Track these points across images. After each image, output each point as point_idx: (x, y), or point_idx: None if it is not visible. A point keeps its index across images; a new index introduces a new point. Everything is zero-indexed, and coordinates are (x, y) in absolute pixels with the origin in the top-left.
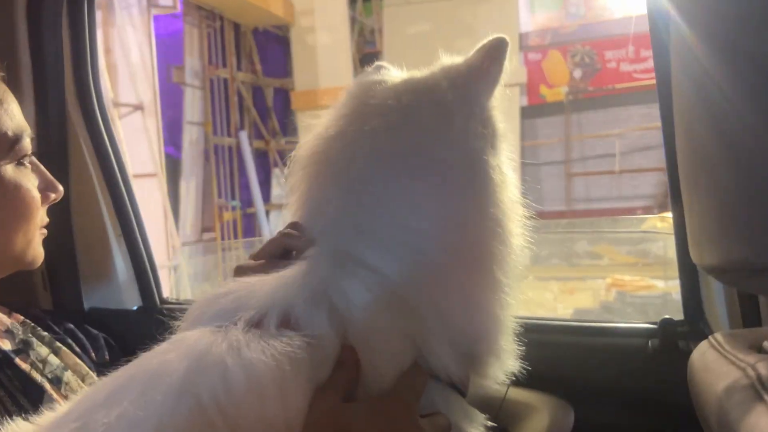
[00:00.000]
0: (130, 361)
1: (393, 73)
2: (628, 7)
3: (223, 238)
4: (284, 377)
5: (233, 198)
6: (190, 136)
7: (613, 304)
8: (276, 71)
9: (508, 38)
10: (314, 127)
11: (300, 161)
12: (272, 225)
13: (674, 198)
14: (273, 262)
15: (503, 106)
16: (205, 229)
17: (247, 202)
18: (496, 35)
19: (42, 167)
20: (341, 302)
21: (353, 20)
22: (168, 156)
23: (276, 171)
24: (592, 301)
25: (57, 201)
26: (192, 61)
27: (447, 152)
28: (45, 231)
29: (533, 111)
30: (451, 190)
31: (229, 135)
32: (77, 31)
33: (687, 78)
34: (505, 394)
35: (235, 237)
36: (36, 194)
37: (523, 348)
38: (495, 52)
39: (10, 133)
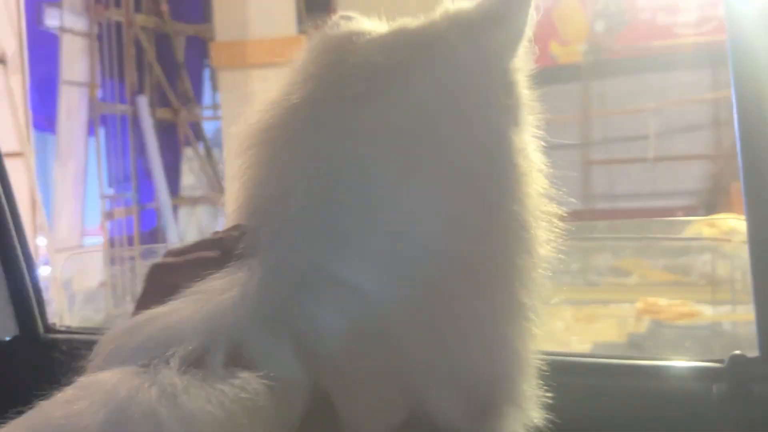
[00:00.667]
0: (2, 407)
1: (370, 25)
2: None
3: (112, 244)
4: None
5: (128, 188)
6: (69, 102)
7: (645, 337)
8: (189, 14)
9: None
10: (265, 93)
11: (248, 139)
12: (182, 226)
13: (750, 200)
14: (203, 264)
15: (528, 67)
16: (87, 231)
17: (147, 194)
18: None
19: None
20: (308, 331)
21: None
22: (37, 129)
23: (188, 151)
24: (617, 332)
25: None
26: None
27: (457, 130)
28: None
29: (540, 76)
30: (463, 182)
31: (123, 101)
32: None
33: None
34: None
35: (130, 242)
36: None
37: (550, 393)
38: None
39: None
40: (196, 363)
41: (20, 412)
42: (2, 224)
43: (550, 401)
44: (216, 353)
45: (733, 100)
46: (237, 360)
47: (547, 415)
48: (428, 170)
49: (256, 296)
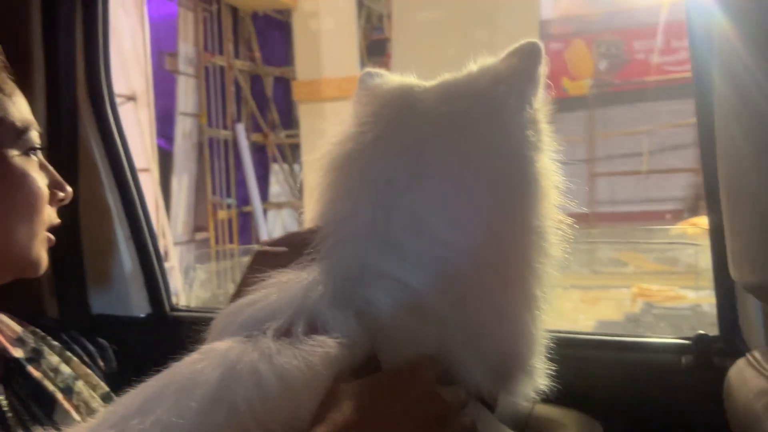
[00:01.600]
0: (139, 370)
1: (395, 78)
2: None
3: (216, 239)
4: (317, 378)
5: (228, 195)
6: (183, 128)
7: (639, 316)
8: (276, 59)
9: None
10: (336, 124)
11: (325, 164)
12: (270, 225)
13: (710, 205)
14: (295, 253)
15: (545, 108)
16: (198, 229)
17: (243, 200)
18: (528, 40)
19: (50, 166)
20: (365, 307)
21: (360, 4)
22: (159, 149)
23: (275, 167)
24: (616, 311)
25: (66, 202)
26: (186, 47)
27: (497, 161)
28: (52, 237)
29: (554, 105)
30: (496, 201)
31: (224, 127)
32: (91, 29)
33: (729, 76)
34: (532, 410)
35: (230, 237)
36: (43, 187)
37: (552, 363)
38: (534, 55)
39: (18, 123)
40: (285, 333)
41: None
42: (138, 224)
43: (551, 370)
44: (299, 325)
45: (697, 127)
46: (314, 330)
47: (550, 381)
48: (471, 193)
49: (327, 284)
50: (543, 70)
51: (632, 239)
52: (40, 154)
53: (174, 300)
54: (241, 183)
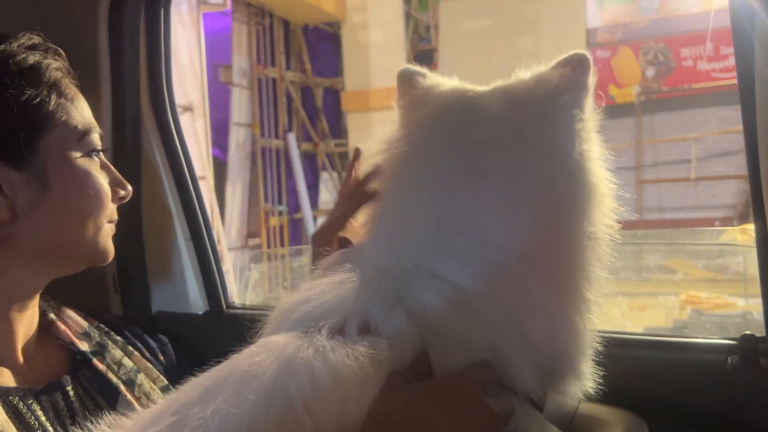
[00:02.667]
0: (197, 365)
1: (442, 79)
2: (707, 0)
3: (268, 245)
4: (367, 378)
5: (280, 203)
6: (237, 138)
7: (687, 323)
8: (326, 70)
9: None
10: (386, 132)
11: (380, 169)
12: None
13: (756, 209)
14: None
15: (594, 117)
16: (251, 235)
17: (294, 207)
18: (576, 51)
19: (111, 166)
20: (417, 306)
21: (407, 16)
22: (214, 158)
23: (324, 175)
24: (664, 319)
25: (126, 199)
26: (240, 59)
27: (553, 167)
28: (114, 228)
29: (602, 113)
30: (551, 206)
31: (276, 137)
32: (153, 38)
33: None
34: (577, 408)
35: (282, 243)
36: (105, 185)
37: (597, 361)
38: (585, 66)
39: (79, 126)
40: (339, 332)
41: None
42: (198, 228)
43: (598, 370)
44: (352, 324)
45: (743, 133)
46: (366, 329)
47: (596, 381)
48: (526, 198)
49: (379, 284)
50: (592, 80)
51: (681, 242)
52: (102, 155)
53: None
54: (292, 191)
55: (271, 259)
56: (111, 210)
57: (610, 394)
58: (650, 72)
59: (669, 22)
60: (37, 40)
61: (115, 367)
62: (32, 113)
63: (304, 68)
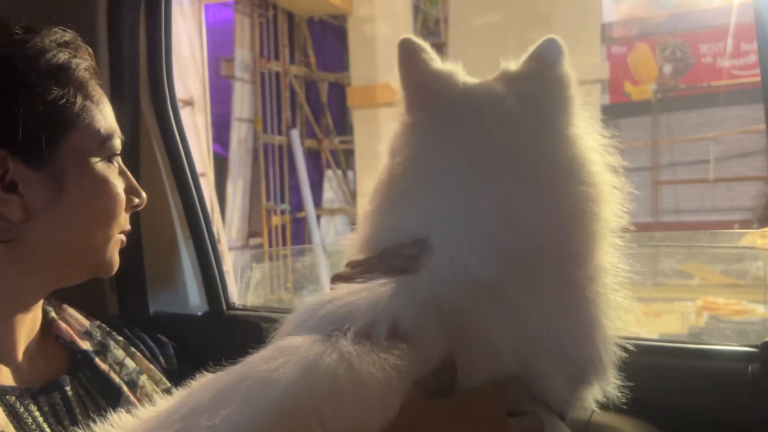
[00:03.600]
0: (196, 367)
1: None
2: None
3: (270, 244)
4: (390, 391)
5: (282, 201)
6: (239, 134)
7: (704, 330)
8: (331, 65)
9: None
10: (405, 126)
11: (398, 163)
12: (323, 231)
13: None
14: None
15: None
16: (252, 234)
17: (297, 206)
18: (549, 37)
19: (128, 173)
20: (449, 310)
21: (416, 9)
22: (214, 154)
23: (329, 173)
24: (680, 325)
25: (140, 208)
26: (242, 53)
27: (555, 160)
28: (124, 240)
29: (616, 110)
30: (560, 198)
31: (279, 133)
32: (153, 33)
33: None
34: (590, 417)
35: (284, 243)
36: (122, 193)
37: (620, 368)
38: (558, 53)
39: (102, 130)
40: (365, 336)
41: (214, 369)
42: (198, 227)
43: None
44: (380, 328)
45: (767, 132)
46: (396, 334)
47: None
48: (540, 189)
49: (410, 286)
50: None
51: (699, 245)
52: (119, 159)
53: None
54: (295, 189)
55: (272, 259)
56: (124, 219)
57: (625, 402)
58: (667, 69)
59: (687, 17)
60: (69, 36)
61: (117, 368)
62: (57, 114)
63: (308, 62)
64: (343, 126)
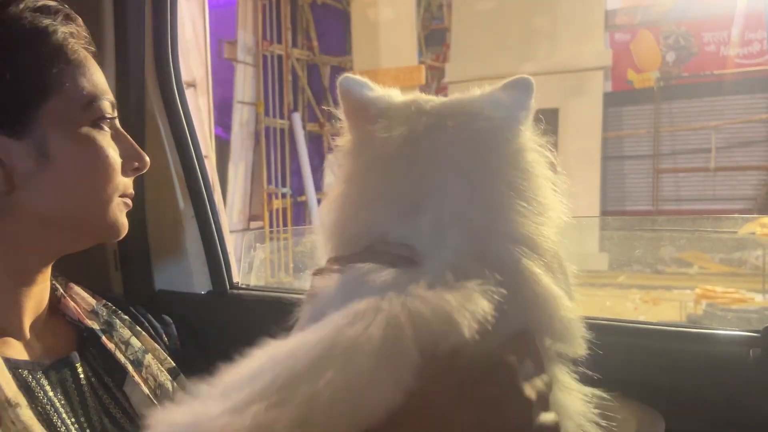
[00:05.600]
0: (199, 345)
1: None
2: None
3: (271, 228)
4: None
5: (284, 185)
6: (241, 117)
7: (702, 318)
8: (334, 48)
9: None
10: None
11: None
12: None
13: None
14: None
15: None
16: (253, 217)
17: (298, 190)
18: (522, 76)
19: (126, 135)
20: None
21: None
22: (216, 137)
23: (330, 157)
24: (678, 313)
25: (142, 171)
26: (245, 35)
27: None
28: (129, 203)
29: (618, 98)
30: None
31: (281, 116)
32: (159, 14)
33: None
34: (591, 398)
35: (285, 227)
36: (113, 156)
37: (612, 352)
38: (528, 89)
39: (85, 92)
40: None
41: (216, 349)
42: (202, 202)
43: (611, 358)
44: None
45: None
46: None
47: (617, 371)
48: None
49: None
50: (534, 103)
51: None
52: (116, 123)
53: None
54: (297, 173)
55: (273, 241)
56: (123, 183)
57: (625, 386)
58: (671, 57)
59: (692, 5)
60: (43, 2)
61: (123, 347)
62: (31, 80)
63: (311, 45)
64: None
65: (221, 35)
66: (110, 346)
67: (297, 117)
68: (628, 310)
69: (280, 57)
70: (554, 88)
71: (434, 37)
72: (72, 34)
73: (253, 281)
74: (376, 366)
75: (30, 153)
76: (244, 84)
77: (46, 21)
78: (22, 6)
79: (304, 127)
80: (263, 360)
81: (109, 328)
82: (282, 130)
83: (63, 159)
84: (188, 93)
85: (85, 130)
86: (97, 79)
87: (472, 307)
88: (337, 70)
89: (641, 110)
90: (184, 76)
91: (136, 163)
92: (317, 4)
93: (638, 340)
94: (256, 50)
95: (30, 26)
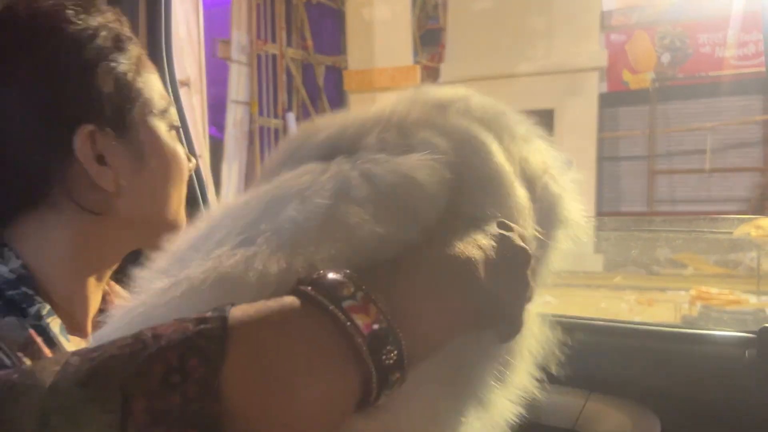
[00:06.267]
0: None
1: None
2: None
3: None
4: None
5: None
6: (234, 116)
7: (696, 319)
8: (328, 48)
9: None
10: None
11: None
12: None
13: None
14: None
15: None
16: None
17: None
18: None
19: (182, 139)
20: None
21: None
22: (210, 137)
23: None
24: (673, 314)
25: (192, 173)
26: (239, 34)
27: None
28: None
29: (614, 99)
30: None
31: (275, 116)
32: (154, 12)
33: None
34: (587, 399)
35: None
36: (185, 159)
37: (607, 353)
38: None
39: (162, 99)
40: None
41: None
42: (196, 206)
43: (607, 358)
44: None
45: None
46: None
47: (613, 372)
48: None
49: None
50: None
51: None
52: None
53: None
54: None
55: None
56: None
57: (621, 386)
58: (666, 58)
59: (687, 7)
60: (114, 11)
61: None
62: (127, 85)
63: (305, 45)
64: (340, 110)
65: (215, 34)
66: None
67: (291, 117)
68: (622, 311)
69: (274, 56)
70: (549, 89)
71: (430, 37)
72: (137, 42)
73: None
74: (335, 206)
75: (129, 155)
76: (238, 83)
77: (124, 30)
78: (102, 17)
79: (298, 127)
80: (210, 220)
81: None
82: (276, 130)
83: (154, 161)
84: (182, 92)
85: (165, 134)
86: (164, 90)
87: (426, 167)
88: (331, 70)
89: (637, 111)
90: (178, 75)
91: (191, 165)
92: (312, 3)
93: (634, 341)
94: (251, 49)
95: (113, 35)
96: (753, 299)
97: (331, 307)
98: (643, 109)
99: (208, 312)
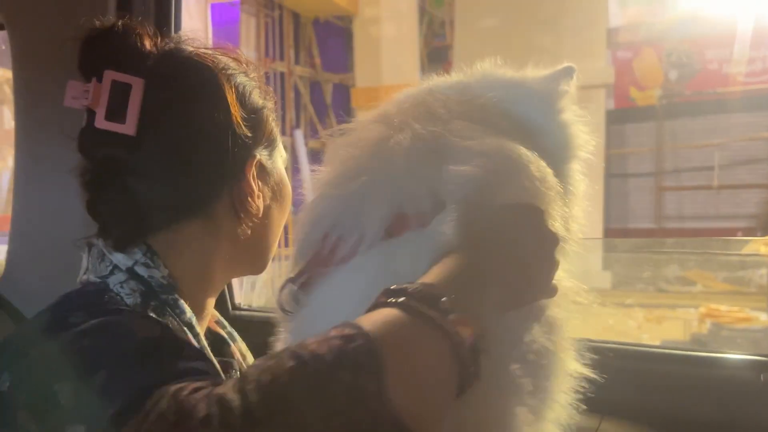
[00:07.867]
0: None
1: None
2: (734, 1)
3: None
4: None
5: None
6: None
7: (706, 337)
8: (336, 66)
9: None
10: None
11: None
12: None
13: None
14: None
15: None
16: None
17: (300, 205)
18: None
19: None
20: None
21: (422, 11)
22: None
23: None
24: (682, 332)
25: None
26: (247, 52)
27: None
28: None
29: (621, 115)
30: None
31: (283, 133)
32: (162, 27)
33: None
34: (599, 425)
35: (286, 245)
36: None
37: (618, 376)
38: None
39: (278, 132)
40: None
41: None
42: None
43: (618, 382)
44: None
45: None
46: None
47: (623, 396)
48: None
49: None
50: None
51: (703, 251)
52: None
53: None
54: (299, 189)
55: (274, 260)
56: None
57: (633, 411)
58: (673, 74)
59: (694, 23)
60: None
61: (241, 358)
62: (273, 127)
63: (313, 63)
64: None
65: None
66: (238, 356)
67: (299, 134)
68: (631, 329)
69: (282, 74)
70: None
71: (437, 54)
72: None
73: (255, 302)
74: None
75: (269, 186)
76: None
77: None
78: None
79: (306, 144)
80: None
81: (231, 339)
82: (284, 147)
83: (281, 194)
84: None
85: (284, 172)
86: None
87: None
88: (339, 88)
89: (644, 128)
90: None
91: None
92: (319, 21)
93: (645, 364)
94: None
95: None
96: (763, 316)
97: (441, 322)
98: (651, 126)
99: (333, 331)
